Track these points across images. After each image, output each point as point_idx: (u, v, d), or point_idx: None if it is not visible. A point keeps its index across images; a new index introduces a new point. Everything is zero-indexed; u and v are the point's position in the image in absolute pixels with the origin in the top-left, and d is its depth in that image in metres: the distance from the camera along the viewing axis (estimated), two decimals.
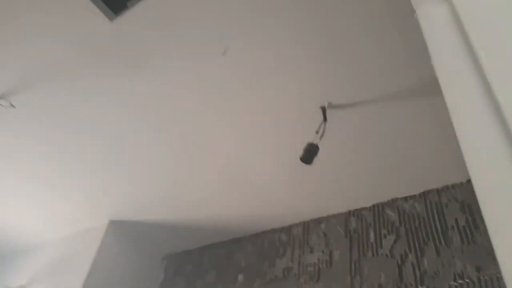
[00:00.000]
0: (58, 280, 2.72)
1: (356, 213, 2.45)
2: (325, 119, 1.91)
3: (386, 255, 2.16)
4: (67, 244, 2.99)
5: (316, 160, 1.93)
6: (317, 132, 1.90)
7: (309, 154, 1.84)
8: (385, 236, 2.24)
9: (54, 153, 2.46)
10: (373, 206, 2.42)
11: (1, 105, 2.16)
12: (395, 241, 2.19)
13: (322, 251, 2.39)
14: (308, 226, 2.58)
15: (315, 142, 1.88)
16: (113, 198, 2.72)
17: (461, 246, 1.98)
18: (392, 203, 2.36)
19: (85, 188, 2.68)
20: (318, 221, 2.57)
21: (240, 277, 2.58)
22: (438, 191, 2.25)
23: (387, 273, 2.08)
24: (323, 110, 1.92)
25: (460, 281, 1.87)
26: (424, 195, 2.29)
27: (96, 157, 2.46)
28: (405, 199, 2.34)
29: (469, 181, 2.19)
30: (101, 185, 2.63)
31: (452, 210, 2.13)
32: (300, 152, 1.89)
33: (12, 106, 2.18)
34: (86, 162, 2.50)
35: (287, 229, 2.64)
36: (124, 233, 2.93)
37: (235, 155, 2.34)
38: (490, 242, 2.01)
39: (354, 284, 2.14)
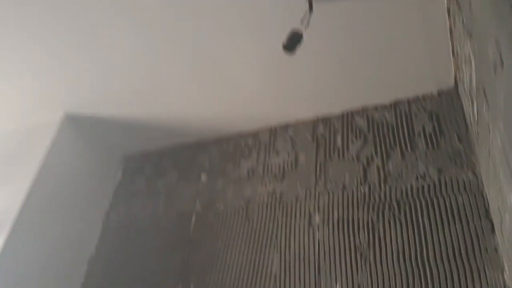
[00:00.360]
0: (3, 179, 2.54)
1: (324, 120, 2.45)
2: (310, 8, 1.80)
3: (352, 158, 2.20)
4: (15, 138, 2.76)
5: (287, 61, 1.86)
6: (301, 22, 1.80)
7: (293, 41, 1.75)
8: (352, 141, 2.27)
9: (4, 30, 2.19)
10: (343, 114, 2.43)
11: None
12: (362, 146, 2.22)
13: (288, 153, 2.40)
14: (275, 131, 2.56)
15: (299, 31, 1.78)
16: (70, 88, 2.50)
17: (425, 150, 2.05)
18: (362, 111, 2.38)
19: (39, 75, 2.43)
20: (285, 126, 2.55)
21: (203, 177, 2.56)
22: (409, 101, 2.28)
23: (352, 174, 2.13)
24: None
25: (422, 182, 1.95)
26: (394, 104, 2.32)
27: (54, 40, 2.21)
28: (376, 108, 2.36)
29: (439, 93, 2.23)
30: (58, 71, 2.39)
31: (421, 119, 2.18)
32: (281, 42, 1.80)
33: None
34: (42, 45, 2.25)
35: (254, 134, 2.61)
36: (80, 130, 2.75)
37: (205, 47, 2.20)
38: (453, 148, 2.07)
39: (318, 184, 2.18)
